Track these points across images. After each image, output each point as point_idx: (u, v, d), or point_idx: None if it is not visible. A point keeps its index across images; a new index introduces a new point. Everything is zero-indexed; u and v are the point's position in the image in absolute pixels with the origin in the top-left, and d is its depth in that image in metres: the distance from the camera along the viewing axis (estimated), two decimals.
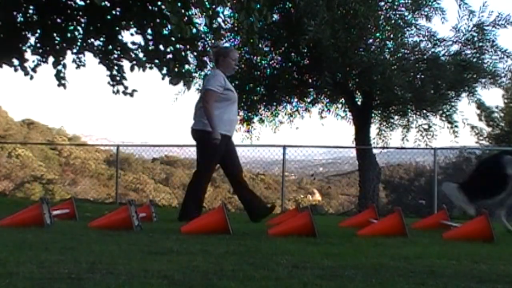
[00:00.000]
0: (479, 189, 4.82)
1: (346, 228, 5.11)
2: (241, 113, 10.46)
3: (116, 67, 8.49)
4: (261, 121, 10.77)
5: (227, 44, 9.86)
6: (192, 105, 5.58)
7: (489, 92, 22.51)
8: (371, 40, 9.21)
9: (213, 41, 9.52)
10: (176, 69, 7.68)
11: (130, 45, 8.11)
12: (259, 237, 3.88)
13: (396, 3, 9.29)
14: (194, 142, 5.39)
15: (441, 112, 9.77)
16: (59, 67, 8.38)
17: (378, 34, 9.14)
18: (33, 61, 8.49)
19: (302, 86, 10.10)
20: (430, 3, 9.08)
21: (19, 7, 7.85)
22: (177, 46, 7.67)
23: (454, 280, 2.29)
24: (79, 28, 8.19)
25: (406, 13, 9.26)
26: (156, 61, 7.83)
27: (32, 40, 8.31)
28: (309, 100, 10.59)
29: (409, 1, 9.21)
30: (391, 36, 9.10)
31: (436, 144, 10.04)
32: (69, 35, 8.20)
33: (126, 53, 8.14)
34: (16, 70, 8.45)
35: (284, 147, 10.34)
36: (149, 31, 7.72)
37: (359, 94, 10.29)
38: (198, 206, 5.21)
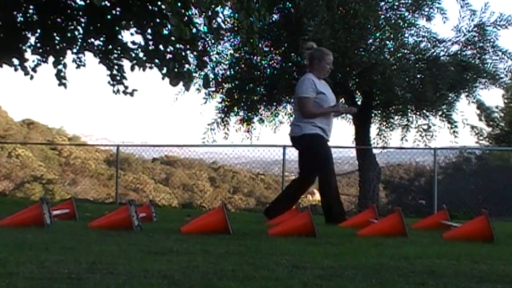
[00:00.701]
0: None
1: (346, 228, 5.11)
2: (241, 113, 10.46)
3: (116, 67, 8.49)
4: (261, 121, 10.77)
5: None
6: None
7: (489, 92, 22.51)
8: (371, 40, 9.20)
9: (213, 41, 9.53)
10: (176, 69, 7.68)
11: (130, 45, 8.11)
12: (259, 237, 3.88)
13: (396, 3, 9.29)
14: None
15: (441, 112, 9.77)
16: (60, 67, 8.38)
17: (378, 34, 9.13)
18: (33, 61, 8.50)
19: None
20: (430, 3, 9.08)
21: (19, 7, 7.84)
22: (177, 46, 7.67)
23: (454, 280, 2.29)
24: (79, 28, 8.19)
25: (406, 13, 9.26)
26: (156, 61, 7.82)
27: (32, 40, 8.31)
28: None
29: (409, 1, 9.21)
30: (391, 36, 9.09)
31: (436, 144, 10.06)
32: (69, 35, 8.20)
33: (126, 53, 8.14)
34: (16, 70, 8.44)
35: (284, 147, 10.34)
36: (149, 31, 7.72)
37: (359, 94, 10.29)
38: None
